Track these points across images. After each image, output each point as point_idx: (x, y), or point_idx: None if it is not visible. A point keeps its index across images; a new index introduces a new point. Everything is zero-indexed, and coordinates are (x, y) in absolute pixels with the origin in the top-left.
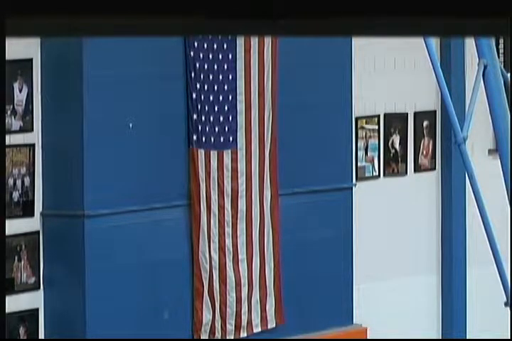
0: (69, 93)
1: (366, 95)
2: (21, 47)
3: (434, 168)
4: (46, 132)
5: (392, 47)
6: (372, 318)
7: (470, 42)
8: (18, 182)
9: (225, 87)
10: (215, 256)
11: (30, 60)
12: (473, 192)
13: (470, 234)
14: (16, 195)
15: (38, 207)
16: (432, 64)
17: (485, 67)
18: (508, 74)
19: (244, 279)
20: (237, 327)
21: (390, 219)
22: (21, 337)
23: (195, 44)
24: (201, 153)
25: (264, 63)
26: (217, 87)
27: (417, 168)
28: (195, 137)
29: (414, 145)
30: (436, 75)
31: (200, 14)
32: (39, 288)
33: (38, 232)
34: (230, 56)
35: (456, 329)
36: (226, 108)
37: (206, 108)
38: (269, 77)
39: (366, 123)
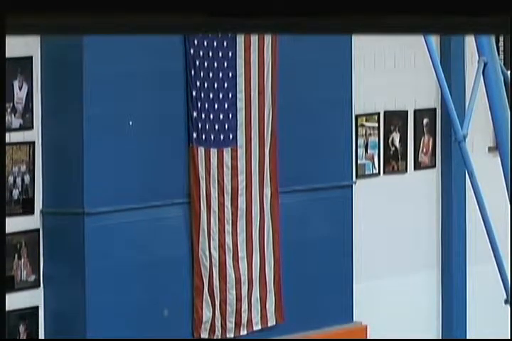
0: (69, 91)
1: (366, 93)
2: (21, 45)
3: (434, 166)
4: (46, 130)
5: (392, 45)
6: (372, 316)
7: (470, 40)
8: (18, 180)
9: (225, 85)
10: (215, 254)
11: (30, 58)
12: (473, 189)
13: (470, 231)
14: (15, 192)
15: (38, 204)
16: (432, 62)
17: (485, 65)
18: (508, 72)
19: (244, 277)
20: (237, 324)
21: (390, 216)
22: (21, 336)
23: (195, 42)
24: (201, 150)
25: (264, 61)
26: (217, 85)
27: (417, 166)
28: (195, 135)
29: (414, 143)
30: (436, 73)
31: (200, 12)
32: (39, 285)
33: (38, 230)
34: (230, 54)
35: (456, 327)
36: (226, 106)
37: (206, 106)
38: (269, 75)
39: (366, 120)
